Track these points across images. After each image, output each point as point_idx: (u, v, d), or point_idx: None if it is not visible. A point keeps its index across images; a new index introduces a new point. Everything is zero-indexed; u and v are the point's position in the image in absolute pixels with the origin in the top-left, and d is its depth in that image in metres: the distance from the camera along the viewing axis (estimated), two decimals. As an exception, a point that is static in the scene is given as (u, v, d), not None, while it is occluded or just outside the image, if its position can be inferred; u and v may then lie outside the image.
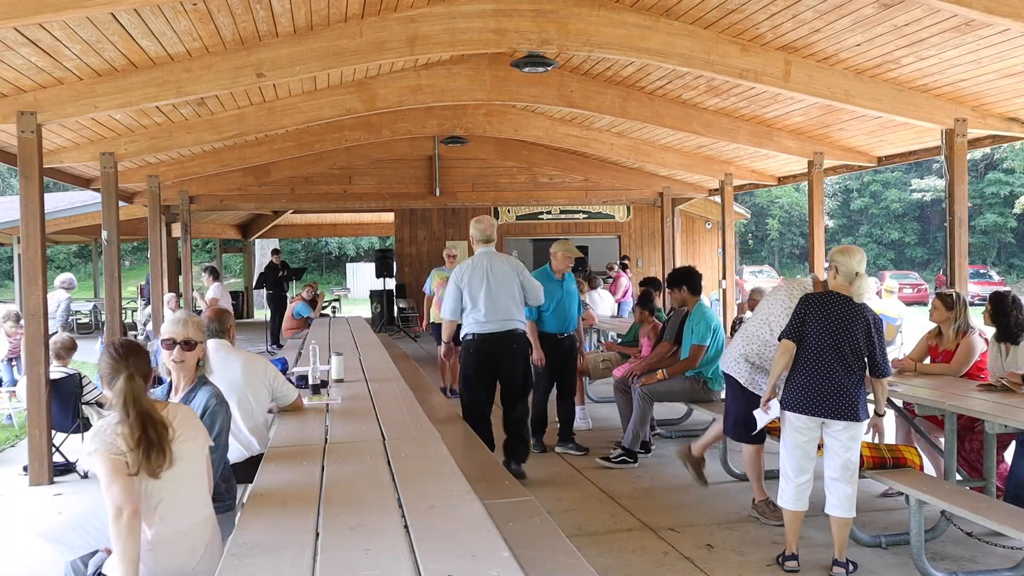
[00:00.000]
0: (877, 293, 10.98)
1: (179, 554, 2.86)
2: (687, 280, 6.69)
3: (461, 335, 5.96)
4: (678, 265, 15.05)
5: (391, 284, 17.93)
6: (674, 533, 4.96)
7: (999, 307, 5.30)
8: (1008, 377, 4.84)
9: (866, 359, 4.22)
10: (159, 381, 3.70)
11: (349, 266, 40.24)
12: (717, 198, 14.06)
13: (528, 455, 6.15)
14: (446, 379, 9.46)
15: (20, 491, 6.23)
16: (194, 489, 2.96)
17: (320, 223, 25.63)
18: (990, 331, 5.57)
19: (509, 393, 5.96)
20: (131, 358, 2.88)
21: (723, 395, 7.10)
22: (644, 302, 7.80)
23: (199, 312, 10.74)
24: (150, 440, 2.75)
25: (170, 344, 3.48)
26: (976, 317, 5.86)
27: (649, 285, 8.57)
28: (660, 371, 6.58)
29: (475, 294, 5.77)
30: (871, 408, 4.37)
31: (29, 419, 6.39)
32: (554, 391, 7.03)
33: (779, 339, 4.45)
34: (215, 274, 12.31)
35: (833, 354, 4.19)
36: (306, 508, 2.75)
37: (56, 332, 9.83)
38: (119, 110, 7.22)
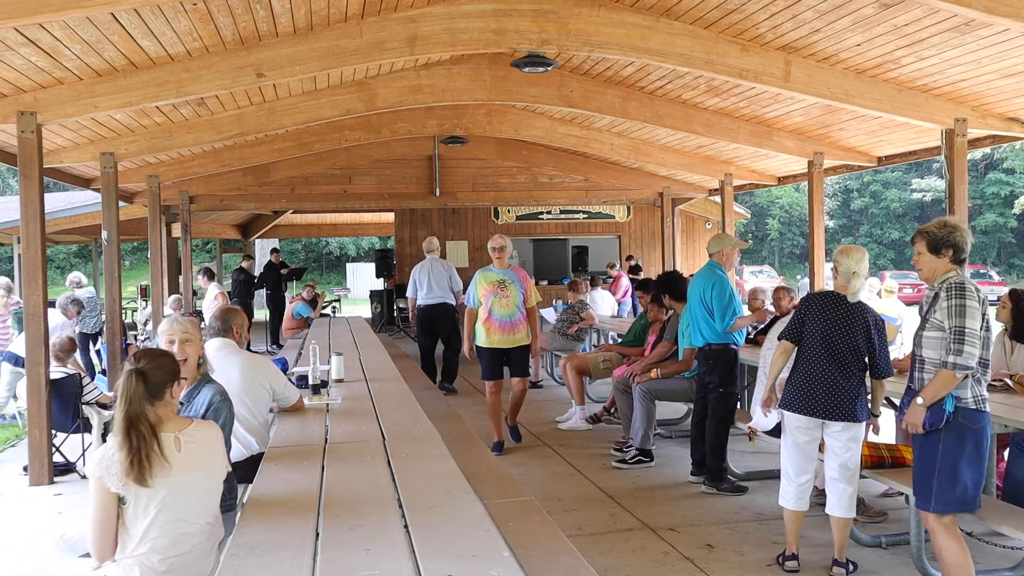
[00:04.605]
0: (877, 293, 10.94)
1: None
2: (667, 288, 6.70)
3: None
4: (675, 266, 15.14)
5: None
6: (674, 533, 4.96)
7: (1014, 301, 5.29)
8: (1018, 378, 4.83)
9: (867, 360, 4.22)
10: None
11: (349, 266, 40.25)
12: (717, 198, 14.05)
13: (455, 378, 9.82)
14: (500, 428, 6.97)
15: (20, 491, 6.23)
16: (194, 512, 2.83)
17: (320, 223, 25.59)
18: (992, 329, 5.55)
19: (443, 338, 9.80)
20: (143, 359, 2.83)
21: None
22: (659, 300, 7.65)
23: (200, 314, 10.78)
24: (131, 444, 2.66)
25: (170, 343, 3.52)
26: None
27: (644, 288, 8.50)
28: (654, 370, 6.57)
29: (424, 281, 9.68)
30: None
31: (29, 419, 6.39)
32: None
33: (778, 339, 4.46)
34: (211, 275, 12.31)
35: (829, 355, 4.19)
36: (306, 508, 2.75)
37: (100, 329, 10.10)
38: (119, 110, 7.21)
